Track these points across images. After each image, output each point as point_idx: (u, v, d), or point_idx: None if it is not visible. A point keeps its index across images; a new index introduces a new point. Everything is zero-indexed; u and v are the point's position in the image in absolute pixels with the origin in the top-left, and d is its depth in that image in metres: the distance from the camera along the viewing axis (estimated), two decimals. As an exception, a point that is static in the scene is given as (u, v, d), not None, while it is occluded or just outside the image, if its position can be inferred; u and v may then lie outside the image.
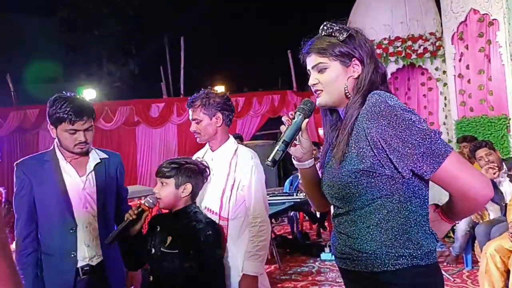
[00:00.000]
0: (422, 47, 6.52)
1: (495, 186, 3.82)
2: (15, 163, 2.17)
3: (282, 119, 1.45)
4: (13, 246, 2.27)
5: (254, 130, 9.72)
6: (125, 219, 1.97)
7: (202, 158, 2.31)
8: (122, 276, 2.31)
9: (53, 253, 2.11)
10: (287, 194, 5.89)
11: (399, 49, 6.57)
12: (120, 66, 14.15)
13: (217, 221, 2.12)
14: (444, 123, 6.63)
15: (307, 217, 6.29)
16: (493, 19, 5.63)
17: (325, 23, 1.45)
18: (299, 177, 1.95)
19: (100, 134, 8.07)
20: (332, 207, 1.52)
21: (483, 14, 5.75)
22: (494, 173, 3.55)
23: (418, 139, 1.25)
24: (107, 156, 2.28)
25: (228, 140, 2.30)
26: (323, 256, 5.10)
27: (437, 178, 1.29)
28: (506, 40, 5.47)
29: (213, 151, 2.31)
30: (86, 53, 13.89)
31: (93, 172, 2.20)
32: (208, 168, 2.17)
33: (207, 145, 2.36)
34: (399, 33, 6.59)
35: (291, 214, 5.84)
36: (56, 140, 2.16)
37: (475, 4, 5.81)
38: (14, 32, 12.72)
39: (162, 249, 1.96)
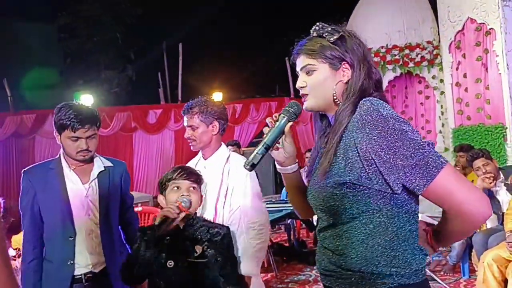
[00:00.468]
0: (419, 56, 6.56)
1: (492, 195, 3.82)
2: (22, 171, 2.20)
3: (266, 120, 1.40)
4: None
5: (251, 137, 9.72)
6: (163, 214, 1.84)
7: (195, 166, 2.30)
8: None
9: (52, 260, 2.13)
10: (284, 201, 5.86)
11: (397, 57, 6.61)
12: (118, 72, 14.17)
13: None
14: (441, 132, 6.66)
15: (304, 225, 6.27)
16: (490, 29, 5.67)
17: (317, 23, 1.37)
18: None
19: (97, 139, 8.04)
20: (316, 219, 1.44)
21: (480, 23, 5.79)
22: (490, 183, 3.55)
23: (410, 151, 1.16)
24: (112, 165, 2.29)
25: (220, 147, 2.30)
26: (320, 264, 5.07)
27: (431, 193, 1.18)
28: (503, 50, 5.50)
29: (205, 159, 2.31)
30: (84, 59, 13.92)
31: (96, 180, 2.21)
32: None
33: (199, 153, 2.36)
34: (396, 41, 6.63)
35: (288, 221, 5.81)
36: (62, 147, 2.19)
37: (472, 13, 5.85)
38: (13, 38, 12.74)
39: (189, 259, 1.85)
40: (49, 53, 13.85)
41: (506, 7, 5.50)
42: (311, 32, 1.38)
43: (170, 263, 1.85)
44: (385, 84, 6.62)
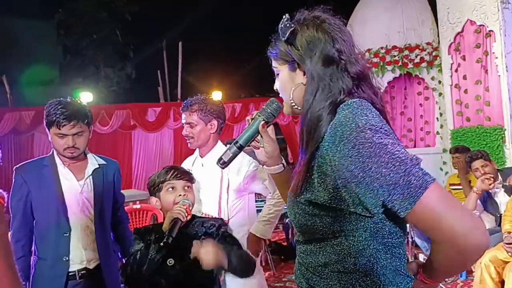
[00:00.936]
0: (418, 57, 6.57)
1: (490, 196, 3.84)
2: (14, 167, 2.19)
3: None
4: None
5: (250, 136, 9.70)
6: (173, 217, 1.82)
7: (192, 165, 2.32)
8: (118, 280, 2.30)
9: (46, 257, 2.12)
10: (282, 201, 5.87)
11: (396, 58, 6.61)
12: (117, 69, 14.15)
13: None
14: (438, 133, 6.66)
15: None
16: (489, 30, 5.68)
17: (284, 17, 1.18)
18: None
19: (96, 137, 8.04)
20: None
21: (480, 25, 5.79)
22: (490, 184, 3.56)
23: (389, 168, 0.97)
24: (105, 163, 2.30)
25: (217, 145, 2.32)
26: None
27: (416, 217, 0.98)
28: (502, 52, 5.51)
29: (202, 157, 2.32)
30: (84, 56, 13.89)
31: (91, 177, 2.22)
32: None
33: (196, 151, 2.37)
34: (396, 42, 6.64)
35: (286, 221, 5.82)
36: None
37: (471, 15, 5.86)
38: (12, 35, 12.71)
39: (189, 256, 1.83)
40: (48, 50, 13.82)
41: (506, 9, 5.51)
42: None
43: (170, 261, 1.85)
44: (384, 85, 6.62)
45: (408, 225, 1.22)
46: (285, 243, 6.08)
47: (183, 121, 2.30)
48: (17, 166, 2.19)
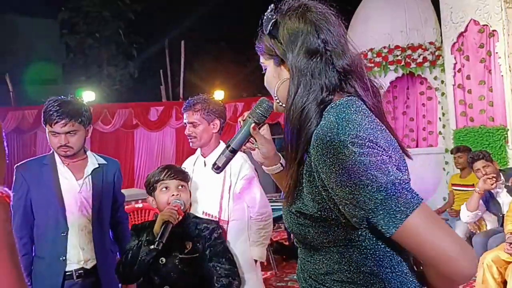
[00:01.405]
0: (421, 56, 6.54)
1: (493, 197, 3.83)
2: (15, 166, 2.19)
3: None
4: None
5: (252, 136, 9.71)
6: (164, 220, 1.83)
7: (194, 164, 2.32)
8: (116, 281, 2.30)
9: (44, 256, 2.12)
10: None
11: (399, 57, 6.60)
12: (120, 69, 14.17)
13: None
14: (441, 133, 6.65)
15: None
16: (492, 30, 5.67)
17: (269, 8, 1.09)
18: None
19: (99, 136, 8.06)
20: None
21: (483, 25, 5.78)
22: (492, 184, 3.55)
23: (370, 191, 0.90)
24: (105, 162, 2.28)
25: (219, 145, 2.32)
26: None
27: (399, 240, 0.93)
28: (505, 52, 5.50)
29: (204, 157, 2.32)
30: (86, 55, 13.92)
31: (90, 177, 2.20)
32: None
33: (197, 151, 2.37)
34: (398, 42, 6.62)
35: (288, 220, 5.83)
36: None
37: (474, 15, 5.84)
38: (15, 33, 12.75)
39: (181, 256, 1.89)
40: (51, 49, 13.87)
41: (509, 9, 5.50)
42: None
43: (162, 260, 1.88)
44: (386, 84, 6.60)
45: None
46: (286, 243, 6.08)
47: (185, 120, 2.30)
48: (17, 164, 2.20)
